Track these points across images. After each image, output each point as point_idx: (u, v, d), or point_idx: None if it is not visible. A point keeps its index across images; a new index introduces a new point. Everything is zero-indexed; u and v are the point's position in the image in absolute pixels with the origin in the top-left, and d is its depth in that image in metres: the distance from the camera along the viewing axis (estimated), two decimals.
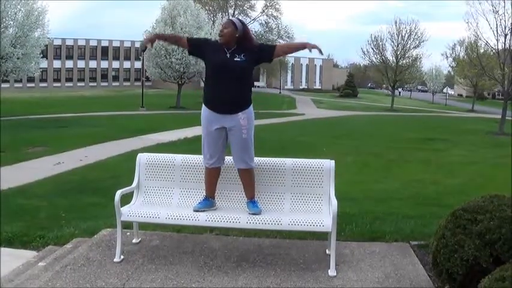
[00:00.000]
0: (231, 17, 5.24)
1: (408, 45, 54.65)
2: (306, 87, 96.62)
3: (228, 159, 4.88)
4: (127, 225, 5.13)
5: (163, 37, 5.05)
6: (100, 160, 14.21)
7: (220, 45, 4.69)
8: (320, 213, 4.70)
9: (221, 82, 4.58)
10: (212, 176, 4.82)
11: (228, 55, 4.60)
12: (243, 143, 4.66)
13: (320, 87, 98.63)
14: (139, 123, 26.08)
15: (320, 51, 4.71)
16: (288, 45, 4.78)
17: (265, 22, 72.76)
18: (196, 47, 4.93)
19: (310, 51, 4.68)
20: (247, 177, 4.77)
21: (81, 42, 75.92)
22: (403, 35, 54.36)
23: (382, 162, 15.09)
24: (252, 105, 4.75)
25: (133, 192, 5.03)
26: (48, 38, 32.77)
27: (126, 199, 4.90)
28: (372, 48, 55.97)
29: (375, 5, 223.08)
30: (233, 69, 4.56)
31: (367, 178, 12.19)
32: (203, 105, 4.75)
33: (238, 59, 4.58)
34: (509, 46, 29.15)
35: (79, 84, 74.46)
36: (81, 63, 75.87)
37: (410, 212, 7.23)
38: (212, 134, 4.69)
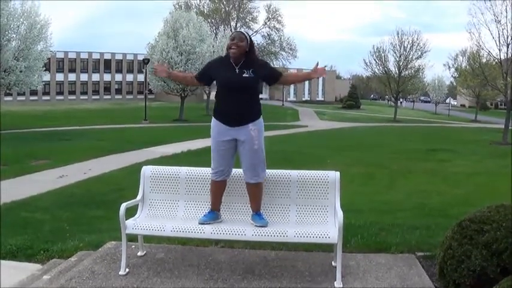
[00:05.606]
0: (240, 30, 5.23)
1: (410, 56, 54.87)
2: (309, 99, 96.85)
3: (234, 170, 4.87)
4: (132, 238, 5.10)
5: (174, 75, 5.12)
6: (104, 173, 14.21)
7: (226, 60, 4.69)
8: (326, 225, 4.68)
9: (231, 96, 4.61)
10: (218, 189, 4.81)
11: (237, 71, 4.61)
12: (255, 154, 4.64)
13: (323, 99, 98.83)
14: (143, 136, 26.09)
15: (324, 72, 4.86)
16: (294, 77, 4.78)
17: (268, 34, 73.05)
18: (203, 75, 4.89)
19: (317, 78, 4.72)
20: (256, 191, 4.75)
21: (84, 55, 76.15)
22: (406, 45, 54.65)
23: (387, 173, 15.06)
24: (262, 117, 4.76)
25: (137, 205, 5.02)
26: (51, 51, 32.89)
27: (131, 212, 4.89)
28: (375, 59, 56.17)
29: (377, 17, 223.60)
30: (244, 85, 4.58)
31: (372, 189, 12.16)
32: (213, 118, 4.75)
33: (247, 75, 4.59)
34: None
35: (82, 97, 74.63)
36: (83, 76, 76.07)
37: (416, 223, 7.19)
38: (222, 146, 4.68)
